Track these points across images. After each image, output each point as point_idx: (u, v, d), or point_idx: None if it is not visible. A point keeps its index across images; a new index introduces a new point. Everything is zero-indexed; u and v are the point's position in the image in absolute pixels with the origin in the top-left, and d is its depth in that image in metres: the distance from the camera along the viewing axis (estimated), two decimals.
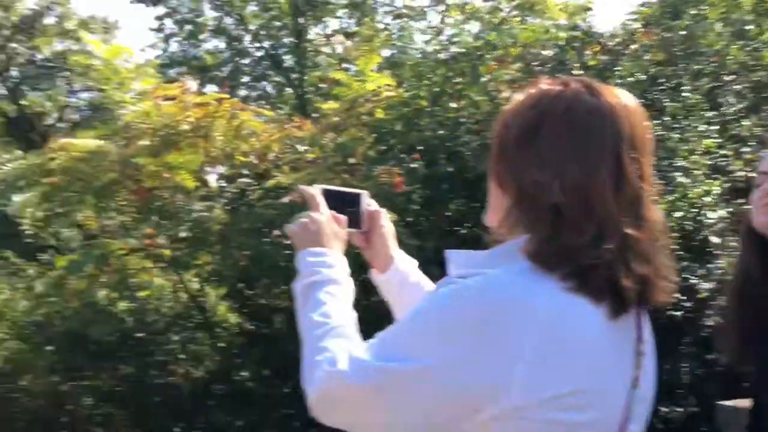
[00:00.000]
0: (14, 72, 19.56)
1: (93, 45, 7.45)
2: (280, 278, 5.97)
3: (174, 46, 20.22)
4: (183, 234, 6.30)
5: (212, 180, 7.22)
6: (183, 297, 6.93)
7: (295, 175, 5.31)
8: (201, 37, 20.17)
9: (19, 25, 18.11)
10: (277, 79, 21.41)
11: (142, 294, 6.61)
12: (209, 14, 19.67)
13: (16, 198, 7.88)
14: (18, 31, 18.15)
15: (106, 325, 5.56)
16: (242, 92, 20.71)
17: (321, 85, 20.90)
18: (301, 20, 19.75)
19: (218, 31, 20.11)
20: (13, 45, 18.40)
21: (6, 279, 8.86)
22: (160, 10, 19.61)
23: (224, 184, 7.13)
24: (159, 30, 19.41)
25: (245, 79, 20.84)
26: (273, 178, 5.94)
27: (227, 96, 5.98)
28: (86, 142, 6.07)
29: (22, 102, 18.96)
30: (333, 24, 20.68)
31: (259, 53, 21.07)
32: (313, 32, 21.01)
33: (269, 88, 21.19)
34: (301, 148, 5.67)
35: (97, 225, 7.34)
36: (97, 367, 6.21)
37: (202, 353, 6.45)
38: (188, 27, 19.72)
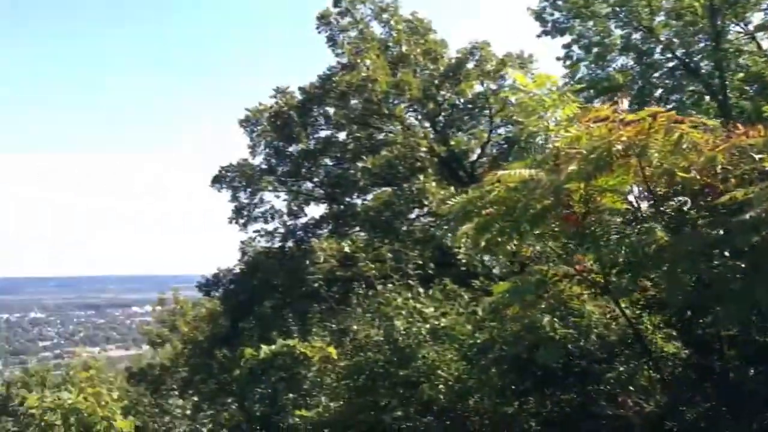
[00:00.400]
0: (441, 117, 21.84)
1: (518, 79, 7.67)
2: (734, 306, 5.25)
3: (581, 71, 20.34)
4: (619, 259, 6.04)
5: (639, 200, 6.83)
6: (614, 325, 6.64)
7: (752, 188, 4.62)
8: (608, 57, 19.90)
9: (446, 73, 20.19)
10: (692, 88, 19.91)
11: (577, 321, 6.50)
12: (616, 33, 19.32)
13: (456, 230, 8.44)
14: (445, 80, 20.24)
15: (551, 351, 5.56)
16: (654, 107, 19.60)
17: (746, 88, 18.66)
18: (718, 21, 18.08)
19: (626, 48, 19.59)
20: (442, 92, 20.55)
21: (446, 303, 9.66)
22: (566, 39, 19.98)
23: (649, 204, 6.67)
24: (567, 57, 19.76)
25: (656, 93, 19.90)
26: (718, 193, 5.34)
27: (663, 110, 5.54)
28: (520, 172, 6.19)
29: (451, 143, 20.98)
30: (756, 18, 18.49)
31: (671, 63, 19.89)
32: (734, 31, 19.07)
33: (684, 99, 19.84)
34: (756, 156, 4.93)
35: (530, 252, 7.50)
36: (541, 392, 6.26)
37: (645, 385, 6.03)
38: (595, 50, 19.62)
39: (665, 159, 5.54)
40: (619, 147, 5.55)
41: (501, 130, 21.77)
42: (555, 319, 6.15)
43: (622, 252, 5.85)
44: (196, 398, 15.43)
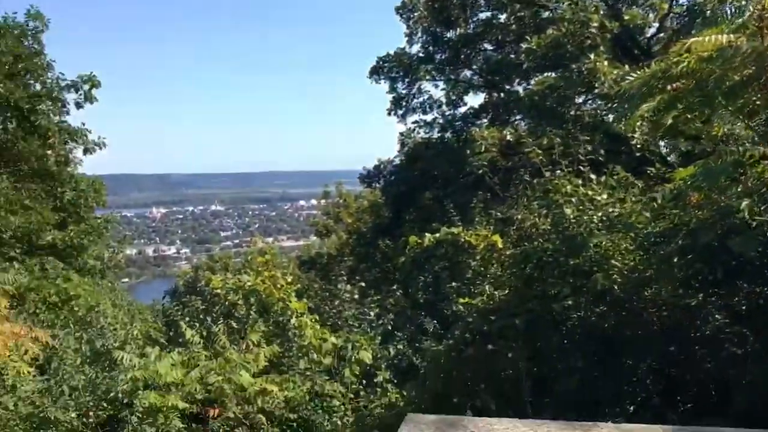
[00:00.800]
0: None
1: None
2: None
3: None
4: None
5: None
6: None
7: None
8: None
9: None
10: None
11: None
12: None
13: (632, 111, 7.73)
14: None
15: (748, 239, 5.01)
16: None
17: None
18: None
19: None
20: None
21: (620, 191, 9.08)
22: None
23: None
24: None
25: None
26: None
27: None
28: (715, 38, 5.41)
29: (624, 17, 19.30)
30: None
31: None
32: None
33: None
34: None
35: (720, 131, 6.76)
36: (731, 284, 5.75)
37: None
38: None
39: None
40: None
41: (682, 0, 19.66)
42: (755, 204, 5.49)
43: None
44: (363, 284, 16.06)
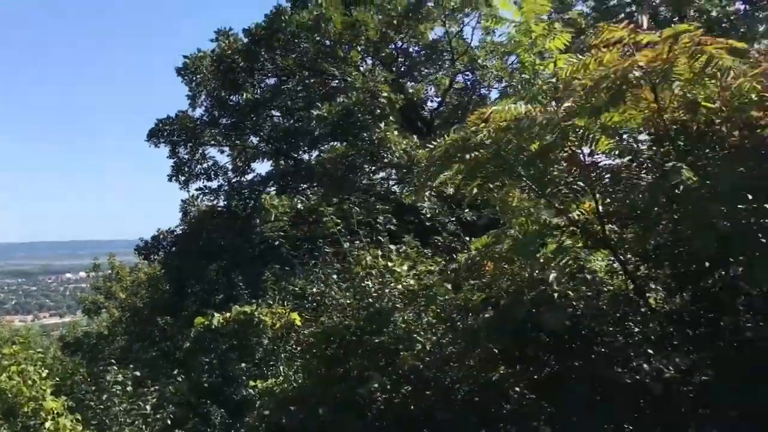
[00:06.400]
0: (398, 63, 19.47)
1: (503, 7, 6.26)
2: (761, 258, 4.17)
3: None
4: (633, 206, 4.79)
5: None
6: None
7: None
8: None
9: (403, 14, 17.73)
10: None
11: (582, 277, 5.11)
12: None
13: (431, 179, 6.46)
14: (403, 20, 17.78)
15: (558, 312, 4.50)
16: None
17: None
18: None
19: None
20: (401, 35, 18.15)
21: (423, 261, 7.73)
22: None
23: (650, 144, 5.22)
24: None
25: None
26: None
27: (691, 27, 4.21)
28: (512, 108, 4.89)
29: (409, 91, 18.73)
30: None
31: None
32: None
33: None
34: None
35: (519, 201, 5.64)
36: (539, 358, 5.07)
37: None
38: None
39: (686, 88, 4.44)
40: (637, 74, 4.27)
41: (459, 78, 19.58)
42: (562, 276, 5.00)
43: (640, 198, 4.62)
44: (138, 373, 13.06)
